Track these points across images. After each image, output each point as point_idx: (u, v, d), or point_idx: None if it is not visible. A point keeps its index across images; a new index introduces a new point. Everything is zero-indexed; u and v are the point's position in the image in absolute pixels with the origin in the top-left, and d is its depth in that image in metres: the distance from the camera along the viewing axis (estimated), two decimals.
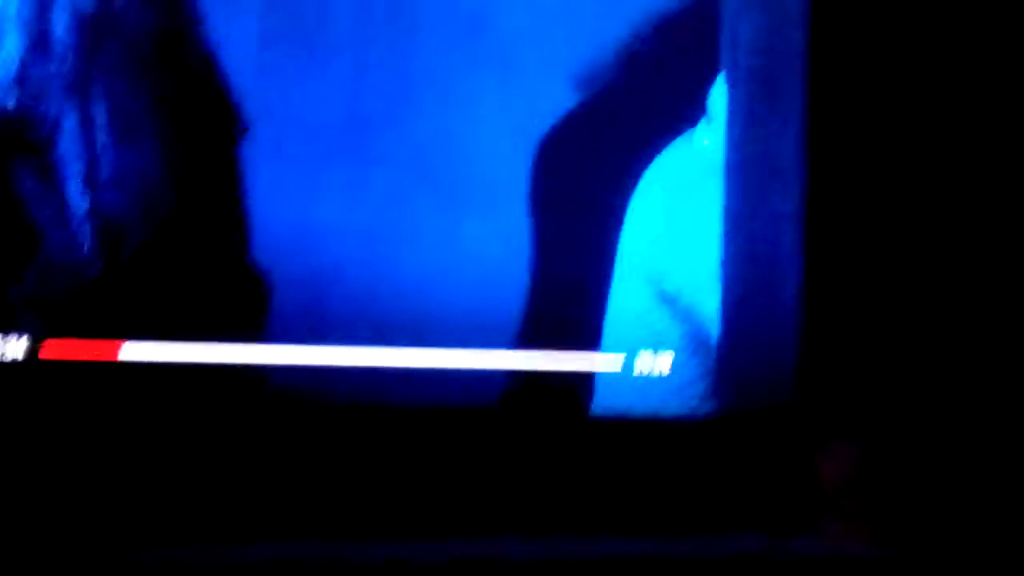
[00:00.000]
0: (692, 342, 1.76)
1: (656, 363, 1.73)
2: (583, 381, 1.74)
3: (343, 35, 1.67)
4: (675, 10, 1.78)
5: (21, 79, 1.45)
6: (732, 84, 1.76)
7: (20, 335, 1.49)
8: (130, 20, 1.48)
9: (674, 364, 1.73)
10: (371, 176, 1.68)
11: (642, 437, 1.72)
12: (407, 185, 1.69)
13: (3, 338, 1.47)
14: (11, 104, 1.46)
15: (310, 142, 1.66)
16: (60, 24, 1.47)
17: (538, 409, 1.71)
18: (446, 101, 1.70)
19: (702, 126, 1.77)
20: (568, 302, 1.75)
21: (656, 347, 1.73)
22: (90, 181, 1.47)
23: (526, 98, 1.73)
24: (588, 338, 1.75)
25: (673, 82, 1.78)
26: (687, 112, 1.79)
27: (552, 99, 1.74)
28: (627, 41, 1.76)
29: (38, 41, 1.46)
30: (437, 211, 1.70)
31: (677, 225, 1.78)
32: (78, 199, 1.47)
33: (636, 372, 1.72)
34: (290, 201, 1.65)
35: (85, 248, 1.48)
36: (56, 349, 1.53)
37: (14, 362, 1.49)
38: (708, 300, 1.75)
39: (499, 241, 1.72)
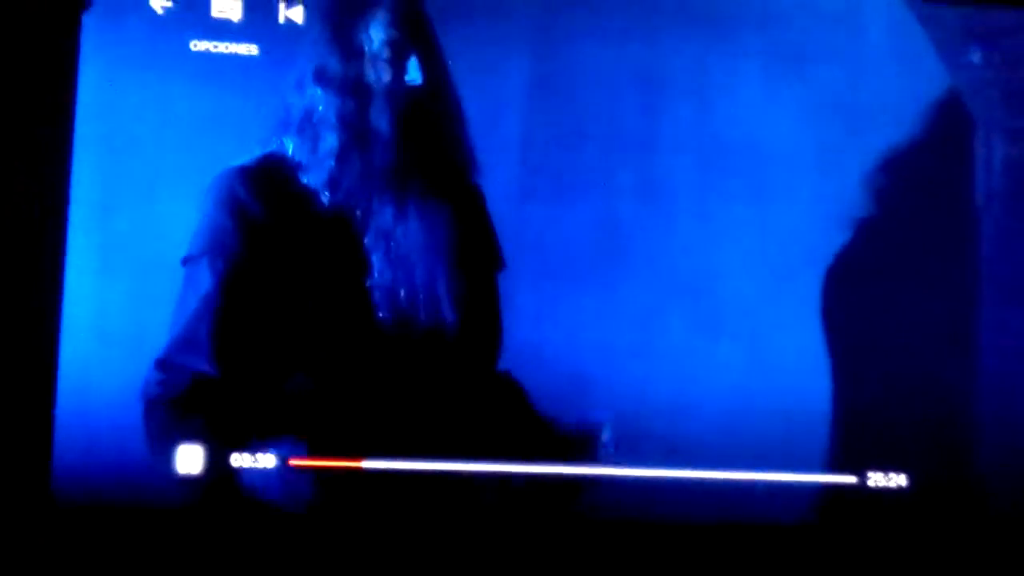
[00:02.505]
0: None
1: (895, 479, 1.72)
2: None
3: (595, 164, 1.75)
4: (926, 143, 1.79)
5: (339, 177, 1.57)
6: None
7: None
8: (435, 129, 1.59)
9: None
10: (625, 297, 1.74)
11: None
12: (660, 307, 1.74)
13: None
14: (326, 200, 1.57)
15: (567, 267, 1.73)
16: (383, 121, 1.58)
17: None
18: (698, 226, 1.76)
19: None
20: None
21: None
22: (395, 267, 1.56)
23: (776, 226, 1.77)
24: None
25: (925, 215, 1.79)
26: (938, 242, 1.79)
27: (805, 227, 1.77)
28: (879, 176, 1.78)
29: (358, 138, 1.58)
30: (690, 331, 1.74)
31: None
32: (384, 281, 1.55)
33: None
34: (548, 321, 1.72)
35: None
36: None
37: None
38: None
39: (749, 362, 1.74)
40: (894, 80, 1.80)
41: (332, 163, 1.57)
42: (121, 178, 1.65)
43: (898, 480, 1.74)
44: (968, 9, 1.79)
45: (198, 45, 1.67)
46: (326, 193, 1.57)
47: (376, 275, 1.56)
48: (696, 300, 1.75)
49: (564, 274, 1.73)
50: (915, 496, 1.74)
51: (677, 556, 1.69)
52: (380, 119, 1.58)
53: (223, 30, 1.67)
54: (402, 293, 1.56)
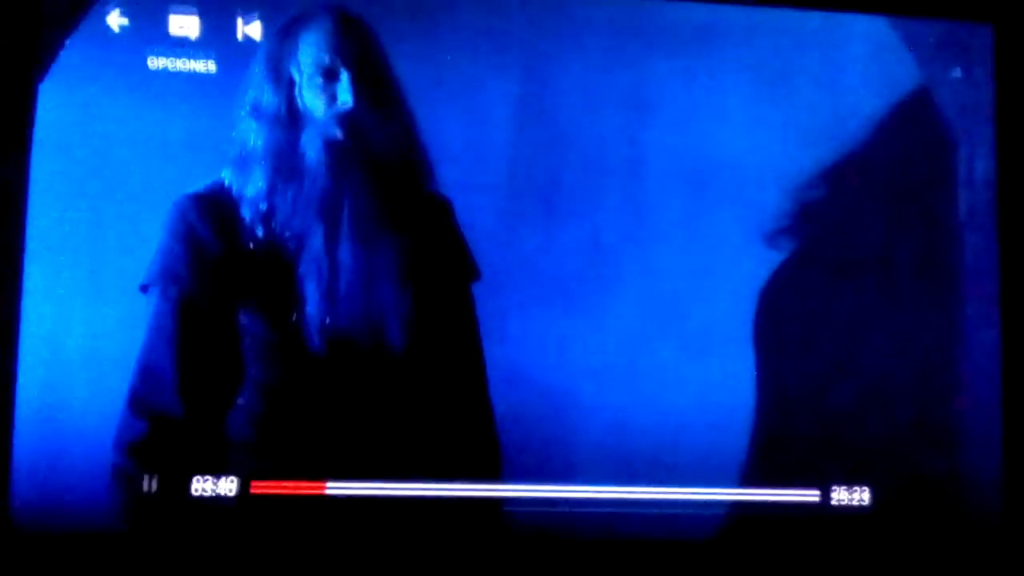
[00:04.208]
0: None
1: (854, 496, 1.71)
2: None
3: (581, 184, 1.73)
4: (908, 160, 1.76)
5: (270, 210, 1.55)
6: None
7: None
8: (373, 150, 1.56)
9: None
10: (610, 318, 1.72)
11: None
12: (646, 327, 1.73)
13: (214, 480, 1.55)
14: (260, 234, 1.55)
15: (548, 288, 1.71)
16: (312, 149, 1.56)
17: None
18: (683, 246, 1.74)
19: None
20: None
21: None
22: (329, 296, 1.54)
23: (758, 243, 1.74)
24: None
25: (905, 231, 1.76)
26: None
27: (789, 247, 1.75)
28: (864, 194, 1.75)
29: (287, 170, 1.55)
30: (675, 352, 1.73)
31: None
32: (315, 314, 1.54)
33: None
34: (531, 344, 1.70)
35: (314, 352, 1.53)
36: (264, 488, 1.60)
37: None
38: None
39: (734, 381, 1.73)
40: (877, 98, 1.77)
41: (263, 199, 1.54)
42: (79, 199, 1.62)
43: (860, 496, 1.72)
44: (950, 25, 1.75)
45: (156, 62, 1.63)
46: (259, 227, 1.55)
47: (307, 306, 1.53)
48: (682, 321, 1.73)
49: (549, 294, 1.71)
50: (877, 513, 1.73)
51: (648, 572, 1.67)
52: (309, 150, 1.55)
53: (181, 47, 1.64)
54: (338, 321, 1.54)
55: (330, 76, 1.56)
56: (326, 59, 1.56)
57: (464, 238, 1.65)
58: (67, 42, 1.61)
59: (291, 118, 1.56)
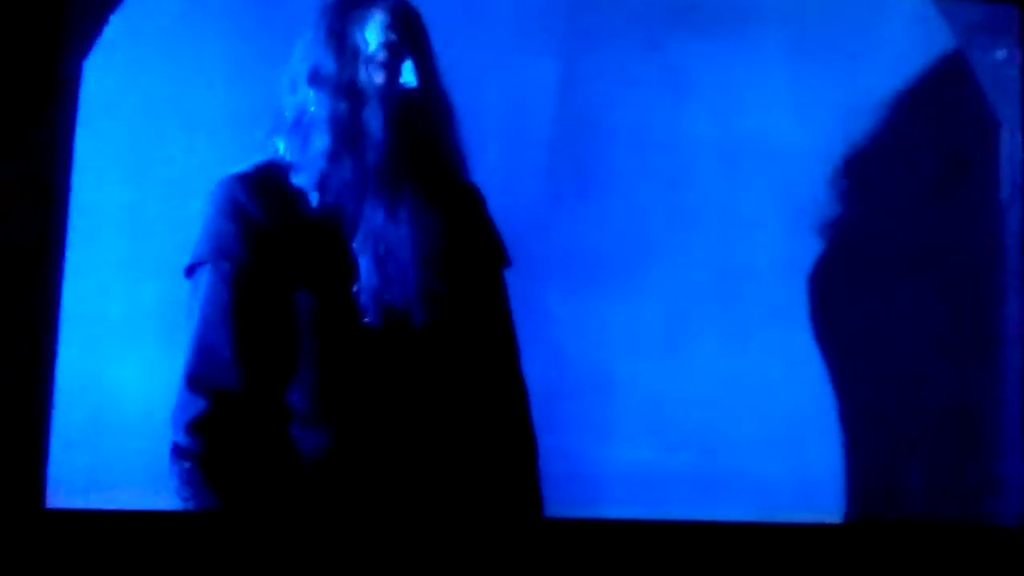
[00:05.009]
0: None
1: None
2: None
3: (621, 164, 1.74)
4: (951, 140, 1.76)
5: (327, 177, 1.55)
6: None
7: None
8: (425, 133, 1.56)
9: None
10: (650, 298, 1.73)
11: None
12: (686, 308, 1.74)
13: None
14: (315, 202, 1.54)
15: (591, 268, 1.72)
16: (376, 121, 1.56)
17: None
18: (719, 229, 1.74)
19: None
20: None
21: None
22: (382, 268, 1.53)
23: (796, 225, 1.73)
24: None
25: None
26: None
27: (824, 228, 1.74)
28: (906, 173, 1.74)
29: (348, 138, 1.56)
30: (716, 333, 1.73)
31: None
32: (371, 285, 1.52)
33: None
34: (569, 326, 1.70)
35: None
36: None
37: None
38: None
39: (779, 361, 1.73)
40: (919, 78, 1.77)
41: (322, 164, 1.54)
42: (121, 177, 1.63)
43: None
44: (989, 6, 1.75)
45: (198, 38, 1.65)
46: (315, 194, 1.54)
47: (364, 279, 1.52)
48: (721, 303, 1.74)
49: (588, 277, 1.72)
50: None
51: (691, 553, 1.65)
52: (373, 121, 1.55)
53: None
54: (392, 296, 1.53)
55: (395, 56, 1.56)
56: (394, 38, 1.56)
57: (496, 224, 1.64)
58: (111, 18, 1.62)
59: (353, 88, 1.56)
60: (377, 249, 1.53)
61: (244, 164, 1.57)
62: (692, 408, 1.71)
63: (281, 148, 1.57)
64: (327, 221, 1.54)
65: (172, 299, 1.60)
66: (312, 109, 1.55)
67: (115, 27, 1.63)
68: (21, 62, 1.58)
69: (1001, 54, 1.77)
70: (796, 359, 1.73)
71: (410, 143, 1.55)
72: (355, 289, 1.53)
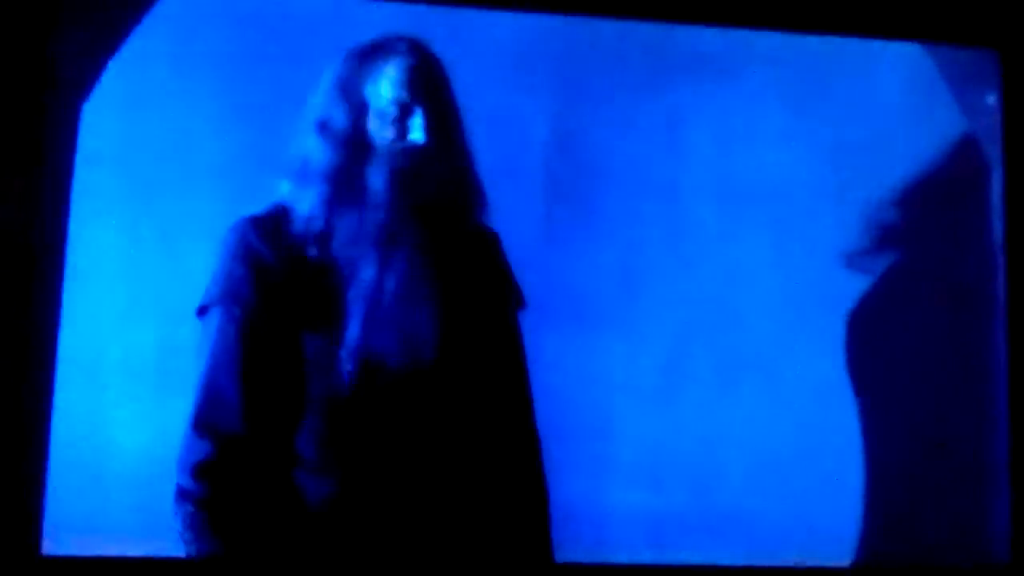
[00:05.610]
0: None
1: None
2: None
3: (618, 207, 1.75)
4: (943, 185, 1.78)
5: (327, 231, 1.55)
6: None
7: None
8: (434, 184, 1.56)
9: None
10: (648, 339, 1.74)
11: None
12: (683, 348, 1.75)
13: None
14: (313, 253, 1.53)
15: (588, 310, 1.73)
16: (379, 178, 1.56)
17: None
18: (719, 267, 1.76)
19: None
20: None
21: None
22: (370, 321, 1.52)
23: (796, 268, 1.74)
24: None
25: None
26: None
27: (824, 269, 1.77)
28: (897, 218, 1.76)
29: (349, 194, 1.56)
30: (713, 373, 1.74)
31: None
32: (353, 337, 1.51)
33: None
34: (571, 363, 1.71)
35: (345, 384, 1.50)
36: None
37: None
38: None
39: (775, 403, 1.74)
40: (911, 124, 1.79)
41: (320, 217, 1.53)
42: (119, 221, 1.63)
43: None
44: (983, 51, 1.77)
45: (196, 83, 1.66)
46: (312, 247, 1.54)
47: (347, 331, 1.52)
48: (718, 344, 1.75)
49: (589, 318, 1.73)
50: None
51: None
52: (376, 177, 1.54)
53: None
54: (383, 346, 1.52)
55: (405, 111, 1.55)
56: (405, 95, 1.54)
57: (509, 266, 1.64)
58: (110, 64, 1.62)
59: (358, 142, 1.55)
60: (367, 302, 1.52)
61: (245, 204, 1.57)
62: (689, 450, 1.71)
63: (285, 192, 1.56)
64: (326, 270, 1.54)
65: (169, 345, 1.60)
66: (315, 158, 1.55)
67: (113, 73, 1.63)
68: (17, 107, 1.58)
69: (991, 99, 1.79)
70: (792, 402, 1.74)
71: (413, 199, 1.55)
72: (343, 337, 1.52)
